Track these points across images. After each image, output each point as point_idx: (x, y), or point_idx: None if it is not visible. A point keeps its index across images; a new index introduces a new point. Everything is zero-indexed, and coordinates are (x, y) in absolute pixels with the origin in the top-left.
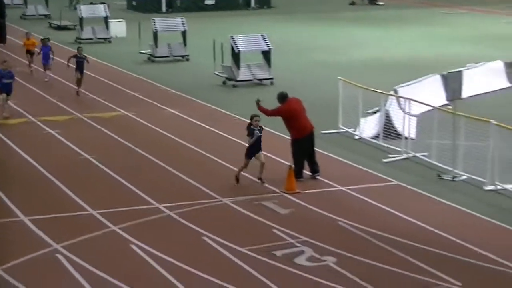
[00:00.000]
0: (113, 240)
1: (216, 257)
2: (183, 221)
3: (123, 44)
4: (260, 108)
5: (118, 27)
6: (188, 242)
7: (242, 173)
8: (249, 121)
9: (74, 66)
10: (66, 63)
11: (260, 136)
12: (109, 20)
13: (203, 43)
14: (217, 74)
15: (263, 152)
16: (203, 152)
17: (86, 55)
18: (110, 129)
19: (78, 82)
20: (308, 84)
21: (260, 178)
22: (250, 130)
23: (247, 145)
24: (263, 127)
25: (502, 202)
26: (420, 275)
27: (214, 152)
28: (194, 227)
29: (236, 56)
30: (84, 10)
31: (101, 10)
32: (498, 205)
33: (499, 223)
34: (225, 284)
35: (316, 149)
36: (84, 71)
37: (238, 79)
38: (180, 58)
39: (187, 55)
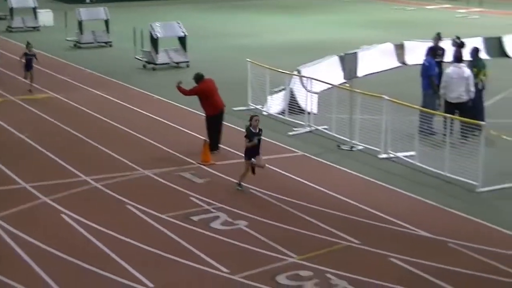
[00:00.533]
0: (45, 210)
1: (139, 223)
2: (109, 192)
3: (50, 32)
4: (179, 88)
5: (45, 17)
6: (113, 211)
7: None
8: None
9: (24, 62)
10: (19, 59)
11: (260, 139)
12: (37, 10)
13: (124, 30)
14: (138, 58)
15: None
16: (126, 128)
17: (35, 51)
18: (41, 110)
19: (31, 78)
20: (221, 66)
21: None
22: (249, 133)
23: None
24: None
25: (394, 168)
26: (324, 235)
27: (136, 128)
28: (118, 196)
29: (154, 41)
30: (14, 1)
31: (29, 0)
32: (390, 171)
33: (391, 187)
34: (148, 247)
35: (228, 124)
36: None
37: (157, 62)
38: (103, 44)
39: (110, 42)
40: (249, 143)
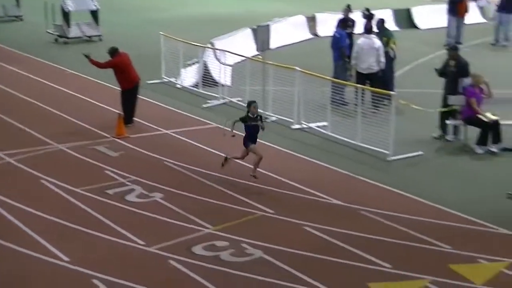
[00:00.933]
0: None
1: (54, 197)
2: (22, 167)
3: None
4: (92, 61)
5: None
6: (27, 185)
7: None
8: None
9: None
10: None
11: (257, 125)
12: None
13: (35, 4)
14: (50, 32)
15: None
16: (39, 103)
17: None
18: None
19: None
20: (134, 39)
21: (253, 175)
22: (247, 118)
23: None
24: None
25: (307, 138)
26: (238, 206)
27: (47, 102)
28: (32, 171)
29: (66, 15)
30: None
31: None
32: (303, 142)
33: (304, 157)
34: (63, 221)
35: (142, 97)
36: None
37: (69, 36)
38: (14, 18)
39: (21, 15)
40: (233, 124)
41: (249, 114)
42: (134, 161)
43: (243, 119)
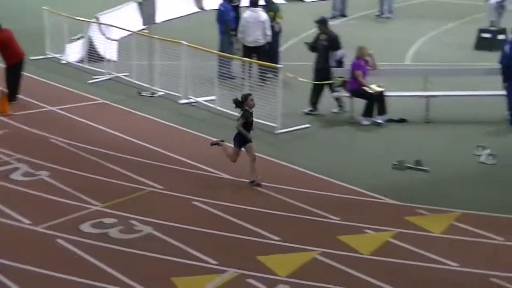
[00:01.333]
0: None
1: None
2: None
3: None
4: None
5: None
6: None
7: None
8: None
9: None
10: None
11: (252, 120)
12: None
13: None
14: None
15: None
16: None
17: None
18: None
19: None
20: (15, 15)
21: (253, 181)
22: (246, 115)
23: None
24: None
25: (194, 113)
26: (127, 182)
27: None
28: None
29: None
30: None
31: None
32: (191, 116)
33: (192, 132)
34: None
35: (26, 74)
36: None
37: None
38: None
39: None
40: (245, 131)
41: (247, 108)
42: (18, 139)
43: (246, 116)
